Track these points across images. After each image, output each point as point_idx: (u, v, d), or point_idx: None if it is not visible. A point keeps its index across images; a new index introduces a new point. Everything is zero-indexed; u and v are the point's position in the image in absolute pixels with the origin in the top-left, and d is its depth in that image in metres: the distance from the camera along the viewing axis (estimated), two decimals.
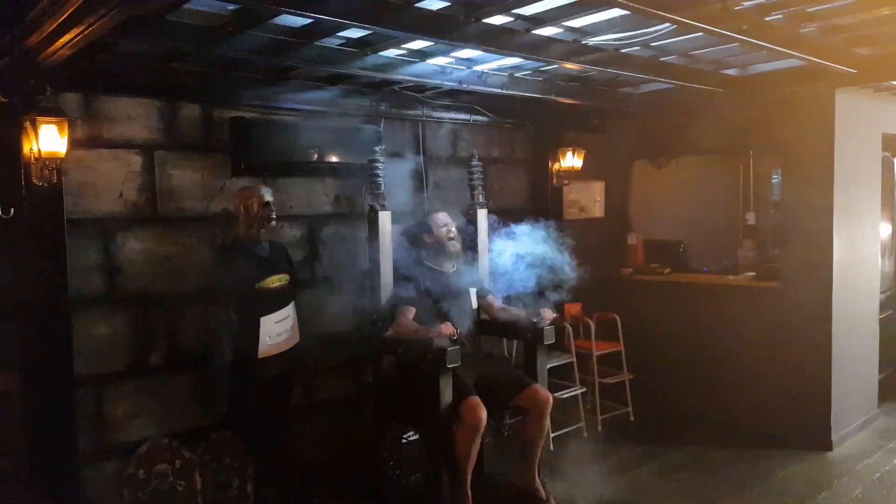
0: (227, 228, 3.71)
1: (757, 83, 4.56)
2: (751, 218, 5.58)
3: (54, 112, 3.18)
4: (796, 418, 4.86)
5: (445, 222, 3.96)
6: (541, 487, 3.79)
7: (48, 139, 3.15)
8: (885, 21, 3.42)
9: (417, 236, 4.02)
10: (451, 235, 3.94)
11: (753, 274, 5.17)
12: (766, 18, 3.25)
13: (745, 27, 3.19)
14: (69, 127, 3.22)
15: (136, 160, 3.66)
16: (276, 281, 3.61)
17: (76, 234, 3.43)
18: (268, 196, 3.62)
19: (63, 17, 2.53)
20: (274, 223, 3.66)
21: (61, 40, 2.71)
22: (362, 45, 3.51)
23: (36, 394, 3.29)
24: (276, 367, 3.62)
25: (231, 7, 2.89)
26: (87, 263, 3.51)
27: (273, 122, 4.10)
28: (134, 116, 3.65)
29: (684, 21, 2.92)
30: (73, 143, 3.31)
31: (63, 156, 3.22)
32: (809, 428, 4.81)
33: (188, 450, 3.64)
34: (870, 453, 4.73)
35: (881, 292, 5.47)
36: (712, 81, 4.47)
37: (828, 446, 4.77)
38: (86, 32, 2.59)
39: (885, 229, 5.65)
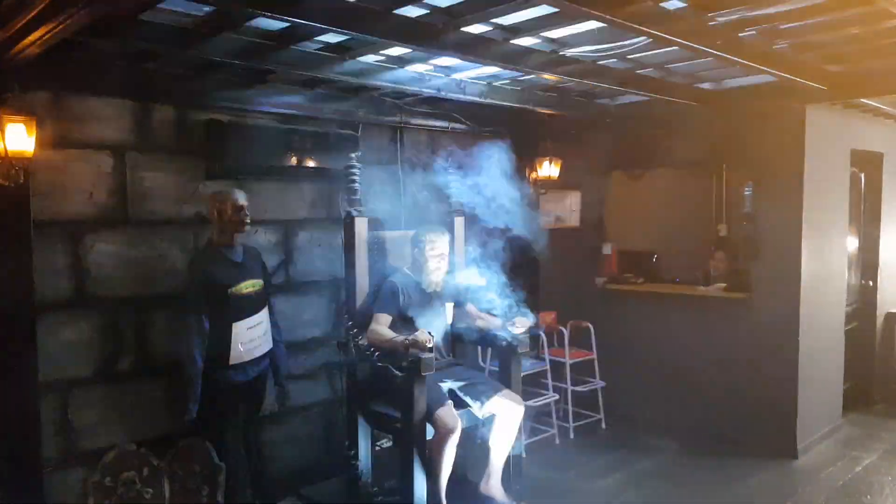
0: (200, 232, 3.66)
1: (730, 98, 4.63)
2: (723, 230, 5.67)
3: (22, 110, 3.10)
4: (763, 427, 4.94)
5: (439, 251, 3.81)
6: (503, 493, 3.79)
7: (15, 138, 3.07)
8: (855, 39, 3.50)
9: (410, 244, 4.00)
10: (439, 266, 3.84)
11: (724, 285, 5.25)
12: (740, 34, 3.31)
13: (719, 42, 3.25)
14: (37, 126, 3.15)
15: (106, 161, 3.59)
16: (249, 286, 3.57)
17: (43, 235, 3.35)
18: (242, 200, 3.58)
19: (32, 15, 2.48)
20: (248, 227, 3.62)
21: (30, 38, 2.65)
22: (341, 50, 3.49)
23: None
24: (247, 373, 3.59)
25: (207, 8, 2.86)
26: (55, 266, 3.43)
27: (249, 125, 4.06)
28: (105, 117, 3.58)
29: (660, 35, 2.96)
30: (42, 143, 3.23)
31: (31, 155, 3.14)
32: (776, 437, 4.89)
33: (156, 457, 3.57)
34: (834, 461, 4.82)
35: (847, 305, 5.58)
36: (687, 95, 4.53)
37: (793, 455, 4.85)
38: (55, 31, 2.54)
39: (852, 243, 5.77)
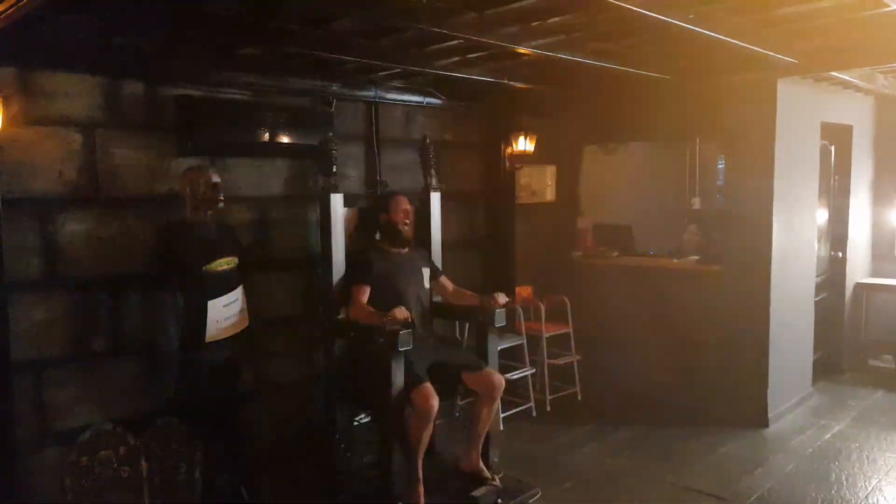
0: (173, 210, 3.63)
1: (703, 71, 4.65)
2: (696, 203, 5.74)
3: None
4: (735, 397, 5.05)
5: (404, 207, 3.95)
6: (484, 467, 3.85)
7: None
8: (825, 13, 3.53)
9: (374, 215, 4.02)
10: (407, 222, 3.93)
11: (697, 258, 5.33)
12: (710, 6, 3.32)
13: (691, 16, 3.26)
14: (4, 103, 3.08)
15: (76, 139, 3.52)
16: (223, 264, 3.54)
17: (12, 214, 3.29)
18: (215, 177, 3.55)
19: None
20: (221, 205, 3.59)
21: None
22: (312, 23, 3.45)
23: None
24: (223, 351, 3.57)
25: None
26: (25, 245, 3.37)
27: (221, 101, 4.00)
28: (74, 93, 3.50)
29: (631, 9, 2.96)
30: (9, 120, 3.17)
31: None
32: (747, 406, 5.01)
33: (133, 436, 3.56)
34: (803, 430, 4.95)
35: (817, 276, 5.69)
36: (660, 68, 4.54)
37: (764, 423, 4.97)
38: (19, 5, 2.48)
39: (821, 215, 5.87)
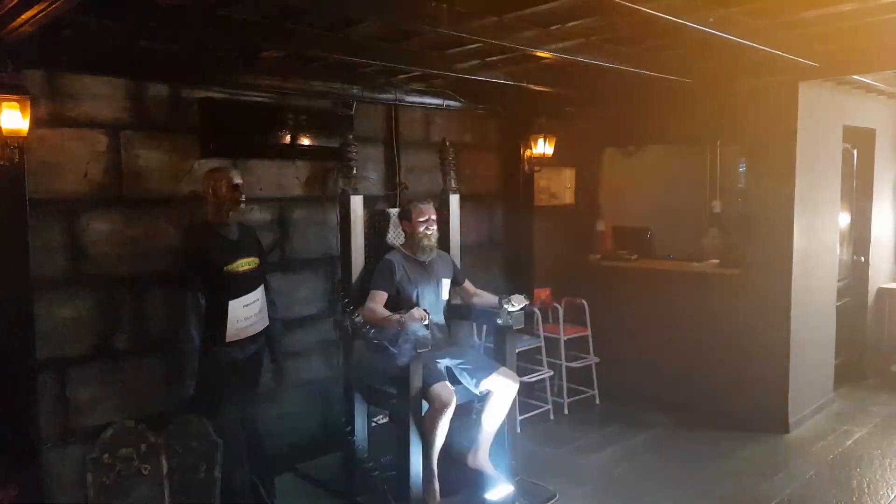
0: (196, 211, 3.67)
1: (723, 74, 4.63)
2: (717, 206, 5.69)
3: (16, 90, 3.09)
4: (755, 401, 5.00)
5: (427, 216, 3.91)
6: (490, 466, 3.84)
7: (10, 117, 3.06)
8: (846, 16, 3.51)
9: (398, 221, 4.04)
10: (429, 231, 3.92)
11: (717, 261, 5.29)
12: (730, 10, 3.30)
13: (711, 20, 3.25)
14: (32, 105, 3.15)
15: (101, 140, 3.59)
16: (245, 264, 3.58)
17: (39, 214, 3.35)
18: (237, 178, 3.58)
19: None
20: (243, 206, 3.62)
21: (23, 16, 2.64)
22: (334, 28, 3.49)
23: None
24: (244, 350, 3.61)
25: None
26: (51, 245, 3.44)
27: (243, 103, 4.05)
28: (99, 95, 3.57)
29: (650, 12, 2.96)
30: (36, 122, 3.23)
31: (25, 134, 3.13)
32: (768, 411, 4.96)
33: (154, 433, 3.60)
34: (825, 435, 4.89)
35: (839, 280, 5.62)
36: (680, 71, 4.52)
37: (785, 429, 4.92)
38: (48, 10, 2.53)
39: (844, 219, 5.81)
